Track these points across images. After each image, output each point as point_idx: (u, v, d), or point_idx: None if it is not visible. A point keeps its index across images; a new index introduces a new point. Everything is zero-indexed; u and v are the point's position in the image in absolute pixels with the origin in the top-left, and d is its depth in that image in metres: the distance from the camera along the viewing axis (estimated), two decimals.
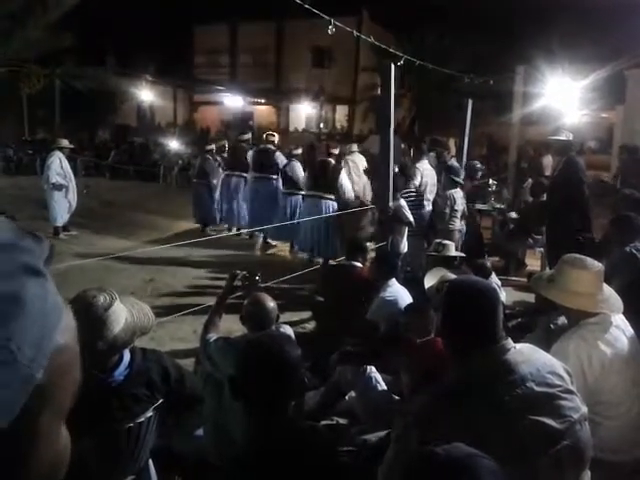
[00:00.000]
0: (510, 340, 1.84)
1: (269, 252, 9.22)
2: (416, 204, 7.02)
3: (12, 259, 0.55)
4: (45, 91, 19.21)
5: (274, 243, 9.42)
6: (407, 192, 7.02)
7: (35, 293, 0.54)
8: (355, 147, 9.36)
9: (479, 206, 8.61)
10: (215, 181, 10.33)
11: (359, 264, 5.00)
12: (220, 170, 10.35)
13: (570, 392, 1.79)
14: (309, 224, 7.79)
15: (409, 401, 2.60)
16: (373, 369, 3.57)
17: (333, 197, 8.02)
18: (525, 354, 1.82)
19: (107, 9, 22.93)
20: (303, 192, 8.51)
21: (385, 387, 3.56)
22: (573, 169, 6.32)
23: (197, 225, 10.54)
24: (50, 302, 0.56)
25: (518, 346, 1.85)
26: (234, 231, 9.86)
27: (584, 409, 1.81)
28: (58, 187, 9.28)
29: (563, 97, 12.94)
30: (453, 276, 3.67)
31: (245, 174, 9.86)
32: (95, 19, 21.62)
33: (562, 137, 6.41)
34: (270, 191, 9.34)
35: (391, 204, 5.87)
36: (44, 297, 0.56)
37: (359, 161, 8.93)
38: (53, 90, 20.16)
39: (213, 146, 10.94)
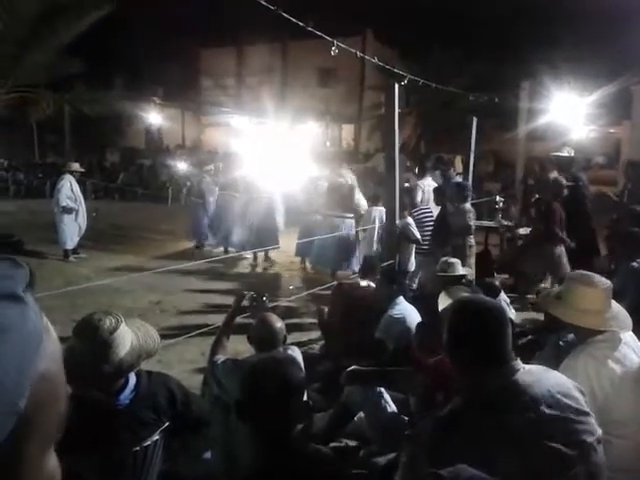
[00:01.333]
0: (519, 361, 1.80)
1: (272, 270, 9.22)
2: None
3: None
4: (54, 115, 19.48)
5: (278, 261, 9.46)
6: (422, 210, 6.98)
7: (14, 320, 0.53)
8: (345, 166, 9.62)
9: (486, 223, 8.58)
10: (211, 200, 10.46)
11: (370, 283, 5.00)
12: (216, 190, 10.48)
13: (584, 414, 1.74)
14: (328, 243, 7.84)
15: (417, 423, 2.57)
16: (382, 389, 3.53)
17: (351, 216, 8.12)
18: (535, 374, 1.78)
19: (115, 33, 23.27)
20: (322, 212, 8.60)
21: (394, 408, 3.51)
22: (575, 185, 6.33)
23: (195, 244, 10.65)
24: (29, 329, 0.54)
25: (527, 367, 1.81)
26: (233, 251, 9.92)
27: (599, 432, 1.75)
28: (68, 210, 9.36)
29: (569, 113, 12.95)
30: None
31: (237, 194, 10.00)
32: (104, 43, 21.94)
33: (564, 153, 6.44)
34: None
35: (398, 222, 5.85)
36: (23, 324, 0.54)
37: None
38: (62, 114, 20.40)
39: (212, 166, 11.10)
